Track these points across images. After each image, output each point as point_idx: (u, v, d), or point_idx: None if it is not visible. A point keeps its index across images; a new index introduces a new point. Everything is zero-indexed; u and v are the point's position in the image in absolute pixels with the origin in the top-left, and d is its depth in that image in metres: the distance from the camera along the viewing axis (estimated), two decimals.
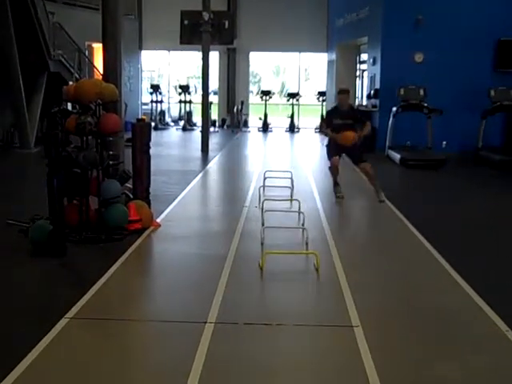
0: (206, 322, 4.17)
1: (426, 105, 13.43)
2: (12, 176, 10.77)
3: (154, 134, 8.33)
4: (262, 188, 8.62)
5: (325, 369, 3.65)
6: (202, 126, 15.30)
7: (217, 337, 3.96)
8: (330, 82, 20.18)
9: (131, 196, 7.27)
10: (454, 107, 13.55)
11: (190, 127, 21.40)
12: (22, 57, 13.31)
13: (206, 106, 15.25)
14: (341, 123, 8.51)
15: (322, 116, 9.14)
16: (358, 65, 19.30)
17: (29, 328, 4.11)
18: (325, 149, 9.23)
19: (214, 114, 21.69)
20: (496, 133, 14.01)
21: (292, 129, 21.45)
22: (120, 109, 7.76)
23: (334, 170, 8.80)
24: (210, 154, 14.30)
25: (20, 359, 3.55)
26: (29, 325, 4.19)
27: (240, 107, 21.94)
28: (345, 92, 8.89)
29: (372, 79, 15.75)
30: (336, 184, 8.85)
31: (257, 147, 17.83)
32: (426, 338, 4.06)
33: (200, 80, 15.80)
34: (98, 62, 16.97)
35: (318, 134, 19.88)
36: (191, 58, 24.49)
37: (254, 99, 24.95)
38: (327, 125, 8.85)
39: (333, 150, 8.81)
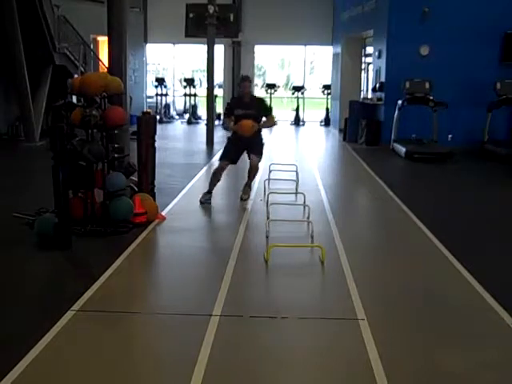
0: (211, 315, 4.18)
1: (431, 98, 13.36)
2: (17, 169, 10.78)
3: (158, 127, 8.31)
4: (267, 181, 8.62)
5: (330, 361, 3.65)
6: (207, 120, 15.27)
7: (222, 330, 3.97)
8: (336, 75, 20.12)
9: (136, 189, 7.28)
10: (460, 100, 13.50)
11: (194, 120, 21.38)
12: (28, 50, 13.30)
13: (210, 99, 15.23)
14: (242, 113, 7.81)
15: (225, 110, 8.55)
16: (363, 58, 19.20)
17: (35, 320, 4.13)
18: (225, 142, 8.44)
19: (219, 108, 21.68)
20: (502, 126, 13.96)
21: (297, 122, 21.45)
22: (125, 102, 7.77)
23: (218, 174, 8.09)
24: (215, 147, 14.27)
25: (27, 351, 3.57)
26: (35, 317, 4.21)
27: None
28: (246, 79, 8.07)
29: (377, 72, 15.68)
30: (209, 192, 8.03)
31: None
32: (432, 332, 4.06)
33: (205, 73, 15.77)
34: (103, 55, 16.98)
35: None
36: (196, 51, 24.43)
37: (258, 92, 24.89)
38: (227, 114, 8.13)
39: (232, 145, 8.11)
